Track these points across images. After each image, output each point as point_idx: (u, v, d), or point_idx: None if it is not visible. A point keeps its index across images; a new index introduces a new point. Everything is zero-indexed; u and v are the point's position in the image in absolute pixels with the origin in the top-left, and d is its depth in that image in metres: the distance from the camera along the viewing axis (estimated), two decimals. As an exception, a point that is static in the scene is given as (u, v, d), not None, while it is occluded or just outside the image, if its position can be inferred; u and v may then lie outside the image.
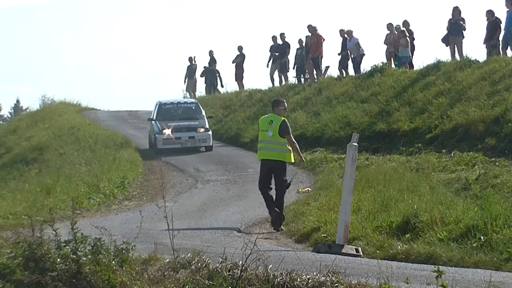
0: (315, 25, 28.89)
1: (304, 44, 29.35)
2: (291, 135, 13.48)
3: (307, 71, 30.46)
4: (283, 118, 13.39)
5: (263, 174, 13.53)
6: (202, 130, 25.10)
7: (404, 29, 26.08)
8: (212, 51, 34.11)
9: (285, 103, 14.17)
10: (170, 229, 6.94)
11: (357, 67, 27.28)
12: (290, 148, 13.35)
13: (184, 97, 34.91)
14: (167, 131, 24.85)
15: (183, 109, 26.53)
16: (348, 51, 27.69)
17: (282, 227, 13.23)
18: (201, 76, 34.81)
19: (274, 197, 13.38)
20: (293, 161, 13.70)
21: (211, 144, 25.04)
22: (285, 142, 13.29)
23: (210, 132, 25.28)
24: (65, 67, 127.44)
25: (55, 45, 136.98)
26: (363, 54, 27.66)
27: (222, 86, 34.61)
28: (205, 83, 34.99)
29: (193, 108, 26.59)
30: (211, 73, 34.39)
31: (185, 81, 34.99)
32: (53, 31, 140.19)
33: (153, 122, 25.61)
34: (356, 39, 27.51)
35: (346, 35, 27.61)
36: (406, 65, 25.85)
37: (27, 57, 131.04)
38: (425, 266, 9.00)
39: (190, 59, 34.68)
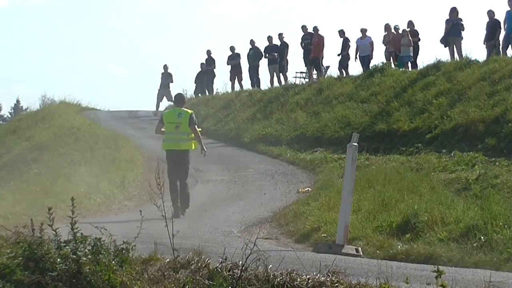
0: (313, 25, 29.04)
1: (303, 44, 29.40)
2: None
3: (306, 70, 30.56)
4: (191, 111, 15.13)
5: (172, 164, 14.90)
6: None
7: (408, 29, 26.12)
8: (210, 51, 33.99)
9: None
10: (170, 229, 6.95)
11: (367, 66, 27.29)
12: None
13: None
14: None
15: None
16: (358, 49, 27.67)
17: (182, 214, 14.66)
18: (197, 76, 34.54)
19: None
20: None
21: None
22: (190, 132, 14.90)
23: None
24: (65, 67, 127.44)
25: (55, 45, 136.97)
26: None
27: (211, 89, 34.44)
28: (195, 83, 34.72)
29: None
30: (208, 74, 34.24)
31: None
32: (53, 31, 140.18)
33: None
34: (370, 38, 27.58)
35: (360, 33, 27.69)
36: (407, 65, 25.90)
37: (27, 57, 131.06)
38: (425, 266, 9.00)
39: (165, 67, 34.02)
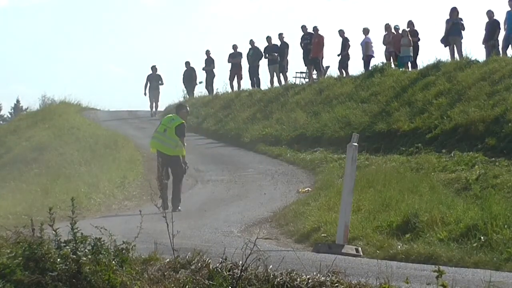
0: (313, 25, 29.06)
1: (303, 44, 29.43)
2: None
3: (306, 71, 30.58)
4: (182, 121, 15.59)
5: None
6: None
7: (408, 29, 26.12)
8: (209, 51, 33.92)
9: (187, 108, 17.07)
10: (170, 229, 6.94)
11: (366, 65, 27.33)
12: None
13: (184, 97, 34.77)
14: None
15: None
16: (361, 48, 27.72)
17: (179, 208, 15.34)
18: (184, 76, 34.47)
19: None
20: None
21: None
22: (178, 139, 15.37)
23: None
24: (65, 67, 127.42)
25: (55, 45, 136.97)
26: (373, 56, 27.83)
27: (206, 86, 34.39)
28: (183, 83, 34.65)
29: None
30: (208, 74, 34.19)
31: (145, 93, 33.95)
32: (53, 31, 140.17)
33: None
34: (368, 38, 27.65)
35: (363, 32, 27.74)
36: (407, 65, 25.90)
37: (27, 57, 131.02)
38: (425, 266, 9.00)
39: (154, 68, 33.90)
